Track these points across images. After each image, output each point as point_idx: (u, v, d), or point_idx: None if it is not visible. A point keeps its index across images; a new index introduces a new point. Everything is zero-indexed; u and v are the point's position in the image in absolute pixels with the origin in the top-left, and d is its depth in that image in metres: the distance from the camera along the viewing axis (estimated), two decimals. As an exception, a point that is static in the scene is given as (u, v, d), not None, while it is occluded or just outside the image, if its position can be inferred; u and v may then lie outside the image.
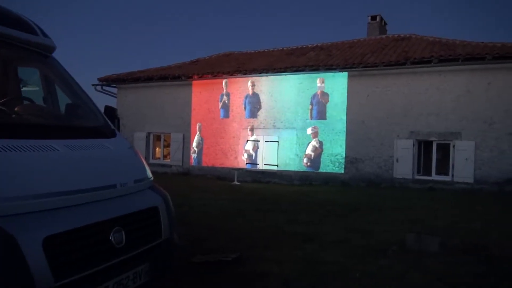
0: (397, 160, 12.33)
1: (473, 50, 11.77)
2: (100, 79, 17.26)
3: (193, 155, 15.74)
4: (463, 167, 11.52)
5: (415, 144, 12.26)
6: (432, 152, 12.22)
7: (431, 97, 12.04)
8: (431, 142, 12.24)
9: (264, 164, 14.36)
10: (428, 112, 12.05)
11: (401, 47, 13.94)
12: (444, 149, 12.08)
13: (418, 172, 12.40)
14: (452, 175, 11.73)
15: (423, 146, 12.48)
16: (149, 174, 3.01)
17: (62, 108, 3.16)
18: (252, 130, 14.66)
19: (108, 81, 17.31)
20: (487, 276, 3.94)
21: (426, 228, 5.81)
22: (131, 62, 66.19)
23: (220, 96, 15.31)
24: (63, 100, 3.19)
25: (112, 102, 17.81)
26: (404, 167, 12.21)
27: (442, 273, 4.04)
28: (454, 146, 11.75)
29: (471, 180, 11.39)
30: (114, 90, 17.77)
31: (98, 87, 17.26)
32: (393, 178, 12.31)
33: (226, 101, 15.19)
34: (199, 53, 77.55)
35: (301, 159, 13.72)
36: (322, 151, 13.40)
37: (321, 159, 13.38)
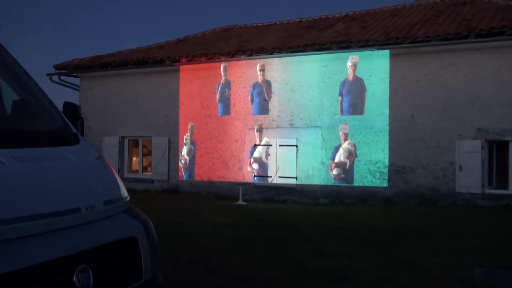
0: (460, 169, 12.24)
1: (561, 16, 11.66)
2: (56, 66, 17.44)
3: (183, 166, 15.81)
4: (551, 176, 11.36)
5: (485, 146, 12.16)
6: (508, 156, 12.11)
7: (504, 82, 11.93)
8: (506, 143, 12.13)
9: (279, 177, 14.36)
10: (501, 102, 11.94)
11: (462, 15, 13.86)
12: (525, 152, 11.96)
13: (490, 184, 12.28)
14: (537, 188, 11.60)
15: (496, 149, 12.38)
16: (124, 193, 3.03)
17: (8, 106, 3.21)
18: (261, 130, 14.69)
19: (68, 69, 17.48)
20: None
21: (500, 261, 5.75)
22: (98, 43, 66.79)
23: (217, 86, 15.38)
24: (9, 96, 3.23)
25: (74, 97, 17.97)
26: (470, 177, 12.09)
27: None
28: (538, 147, 11.62)
29: (562, 194, 11.23)
30: (76, 80, 17.95)
31: (55, 77, 17.44)
32: (455, 192, 12.21)
33: (225, 93, 15.25)
34: (189, 29, 77.95)
35: (329, 169, 13.70)
36: (356, 157, 13.36)
37: (356, 169, 13.34)
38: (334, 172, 13.64)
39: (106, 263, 2.54)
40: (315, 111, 13.93)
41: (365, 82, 13.36)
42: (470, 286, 4.89)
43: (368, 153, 13.24)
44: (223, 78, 15.32)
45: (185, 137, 15.74)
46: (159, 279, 3.01)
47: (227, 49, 15.53)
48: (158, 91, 16.20)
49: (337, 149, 13.63)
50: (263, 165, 14.73)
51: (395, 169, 12.94)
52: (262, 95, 14.70)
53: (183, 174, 15.80)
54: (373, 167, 13.17)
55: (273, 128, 14.56)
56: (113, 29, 69.60)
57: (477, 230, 8.36)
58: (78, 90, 17.84)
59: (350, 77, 13.57)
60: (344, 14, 17.54)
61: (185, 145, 15.74)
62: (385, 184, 13.01)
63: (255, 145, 14.80)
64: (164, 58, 15.90)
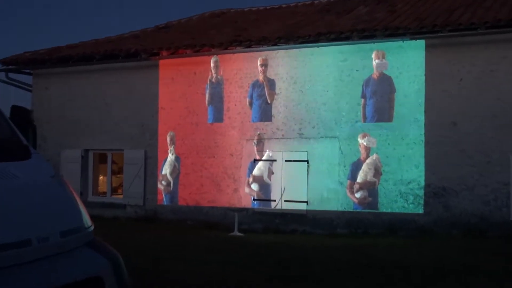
0: (515, 190, 12.22)
1: None
2: (3, 61, 17.48)
3: (164, 190, 15.79)
4: None
5: (546, 162, 12.15)
6: None
7: None
8: None
9: (285, 201, 14.33)
10: None
11: (516, -4, 13.92)
12: None
13: (553, 210, 12.26)
14: None
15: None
16: (87, 221, 3.04)
17: None
18: (262, 142, 14.69)
19: (18, 64, 17.53)
20: None
21: None
22: (56, 32, 67.06)
23: (207, 86, 15.41)
24: None
25: (25, 100, 18.00)
26: (527, 201, 12.07)
27: None
28: None
29: None
30: (28, 78, 17.99)
31: (1, 75, 17.54)
32: (509, 221, 12.17)
33: (217, 94, 15.27)
34: (171, 14, 78.23)
35: (348, 191, 13.65)
36: (381, 175, 13.32)
37: (383, 190, 13.31)
38: (357, 195, 13.60)
39: (64, 311, 2.54)
40: (331, 117, 13.93)
41: (394, 80, 13.37)
42: None
43: (398, 171, 13.21)
44: (214, 75, 15.34)
45: (169, 150, 15.69)
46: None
47: (219, 39, 15.57)
48: (132, 92, 16.22)
49: (358, 165, 13.62)
50: (264, 186, 14.70)
51: (433, 191, 12.90)
52: (264, 97, 14.72)
53: (163, 197, 15.77)
54: (405, 188, 13.13)
55: (277, 138, 14.56)
56: (75, 15, 69.85)
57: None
58: (30, 91, 17.87)
59: (376, 74, 13.61)
60: (367, -5, 17.62)
61: (167, 162, 15.71)
62: (420, 210, 12.96)
63: (255, 161, 14.79)
64: (139, 51, 15.94)
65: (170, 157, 15.71)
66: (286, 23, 16.14)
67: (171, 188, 15.67)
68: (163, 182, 15.77)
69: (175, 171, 15.66)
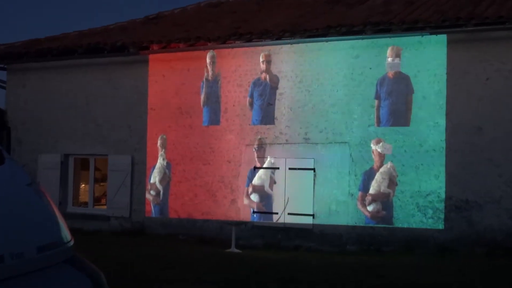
0: (546, 204, 12.22)
1: None
2: (-25, 55, 17.52)
3: (152, 198, 15.77)
4: None
5: None
6: None
7: None
8: None
9: (288, 214, 14.32)
10: None
11: (549, -14, 13.93)
12: None
13: None
14: None
15: None
16: (67, 235, 3.03)
17: None
18: (263, 147, 14.68)
19: (-9, 58, 17.57)
20: None
21: None
22: (34, 23, 67.18)
23: (202, 84, 15.41)
24: None
25: (-2, 98, 18.01)
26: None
27: None
28: None
29: None
30: (3, 74, 18.03)
31: (-28, 70, 17.54)
32: (540, 238, 12.17)
33: (214, 93, 15.27)
34: (163, 3, 78.45)
35: (360, 203, 13.64)
36: (397, 186, 13.30)
37: (399, 203, 13.29)
38: (370, 208, 13.57)
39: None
40: (341, 120, 13.93)
41: (412, 80, 13.37)
42: None
43: (416, 181, 13.19)
44: (211, 72, 15.35)
45: (159, 155, 15.68)
46: None
47: (216, 32, 15.57)
48: (118, 91, 16.24)
49: (370, 174, 13.61)
50: (266, 197, 14.70)
51: (455, 204, 12.88)
52: (266, 97, 14.73)
53: (151, 209, 15.75)
54: (423, 201, 13.11)
55: (280, 144, 14.56)
56: (56, 3, 70.01)
57: None
58: (4, 88, 17.89)
59: (391, 73, 13.60)
60: (382, -16, 17.66)
61: (156, 169, 15.69)
62: (441, 226, 12.95)
63: (255, 168, 14.79)
64: (126, 44, 15.95)
65: (160, 163, 15.70)
66: (292, 15, 16.14)
67: (161, 198, 15.67)
68: (151, 192, 15.75)
69: (165, 179, 15.64)
